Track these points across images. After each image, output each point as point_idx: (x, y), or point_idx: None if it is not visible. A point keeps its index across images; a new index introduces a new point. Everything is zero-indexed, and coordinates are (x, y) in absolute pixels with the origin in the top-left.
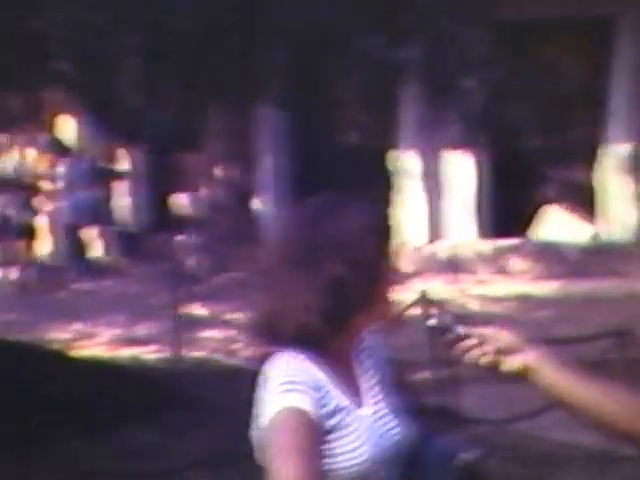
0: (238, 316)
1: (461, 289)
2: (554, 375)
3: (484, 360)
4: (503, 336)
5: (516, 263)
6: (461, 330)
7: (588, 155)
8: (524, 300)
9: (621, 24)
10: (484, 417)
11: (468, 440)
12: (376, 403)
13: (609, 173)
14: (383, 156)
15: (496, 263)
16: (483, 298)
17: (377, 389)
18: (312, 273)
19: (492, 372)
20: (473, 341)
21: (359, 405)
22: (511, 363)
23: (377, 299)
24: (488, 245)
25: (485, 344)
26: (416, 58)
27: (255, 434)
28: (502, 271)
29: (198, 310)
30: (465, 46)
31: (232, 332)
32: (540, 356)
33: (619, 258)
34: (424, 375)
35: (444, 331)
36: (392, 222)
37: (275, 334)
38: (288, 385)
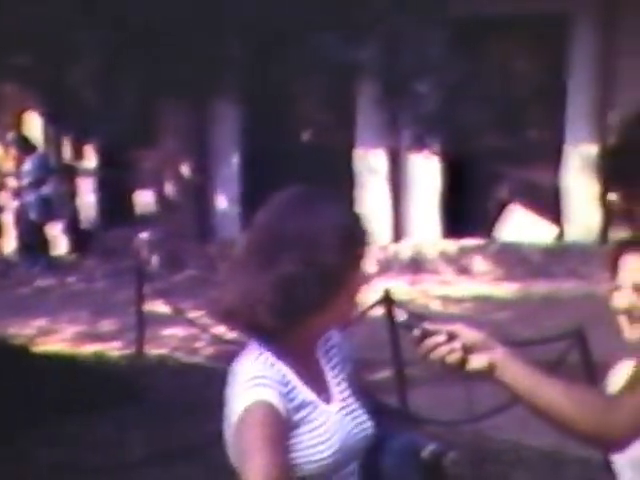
0: (200, 314)
1: (423, 289)
2: (519, 374)
3: (450, 357)
4: (469, 334)
5: (478, 263)
6: (429, 327)
7: (553, 156)
8: (484, 301)
9: (579, 21)
10: (435, 418)
11: (426, 436)
12: (344, 399)
13: (574, 174)
14: (346, 155)
15: (459, 263)
16: (444, 298)
17: (344, 385)
18: (268, 268)
19: (457, 370)
20: (440, 338)
21: (327, 400)
22: (477, 361)
23: (337, 301)
24: (451, 245)
25: (452, 341)
26: (373, 57)
27: (227, 431)
28: (464, 271)
29: (160, 307)
30: (420, 46)
31: (194, 330)
32: (505, 355)
33: (581, 259)
34: (385, 374)
35: (412, 328)
36: (365, 226)
37: (231, 323)
38: (255, 380)
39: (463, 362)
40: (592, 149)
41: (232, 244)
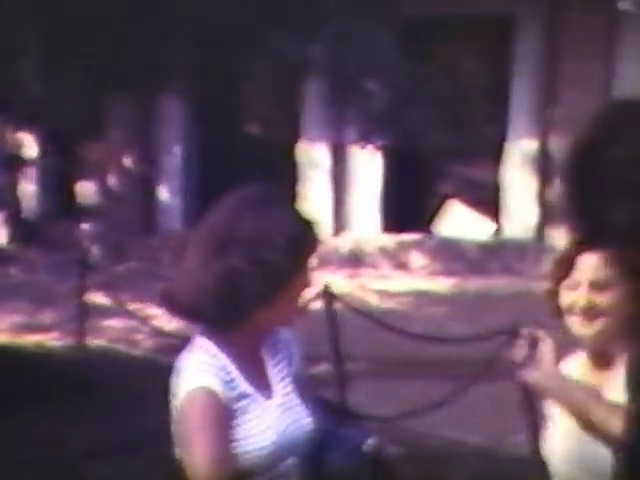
0: (141, 306)
1: (361, 283)
2: (560, 388)
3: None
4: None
5: (416, 258)
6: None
7: (492, 152)
8: (421, 295)
9: (524, 23)
10: (373, 413)
11: (367, 431)
12: (285, 395)
13: (512, 171)
14: (289, 149)
15: (397, 258)
16: (382, 293)
17: (288, 381)
18: (216, 261)
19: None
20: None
21: (267, 395)
22: (528, 375)
23: (280, 300)
24: (390, 240)
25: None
26: (321, 54)
27: (173, 418)
28: (402, 266)
29: (101, 299)
30: (369, 44)
31: (134, 322)
32: (551, 373)
33: (517, 256)
34: (322, 369)
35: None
36: (314, 232)
37: (178, 312)
38: (198, 367)
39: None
40: (532, 147)
41: (175, 236)
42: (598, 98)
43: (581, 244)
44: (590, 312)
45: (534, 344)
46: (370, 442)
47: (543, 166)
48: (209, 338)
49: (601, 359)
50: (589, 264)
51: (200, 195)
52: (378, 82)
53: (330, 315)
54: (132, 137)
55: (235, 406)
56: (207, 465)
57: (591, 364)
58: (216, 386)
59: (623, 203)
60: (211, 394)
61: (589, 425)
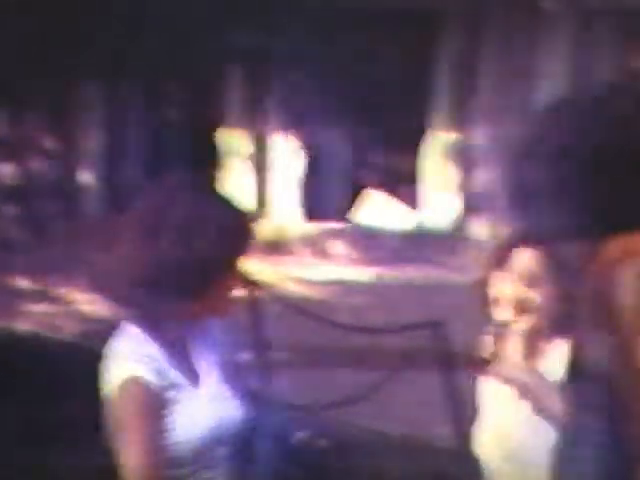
0: (64, 291)
1: (283, 271)
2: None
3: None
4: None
5: (337, 247)
6: None
7: (413, 143)
8: (342, 285)
9: (447, 13)
10: (296, 403)
11: (293, 423)
12: (215, 384)
13: (433, 160)
14: (209, 135)
15: (318, 246)
16: (303, 281)
17: (216, 371)
18: (147, 248)
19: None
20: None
21: (196, 384)
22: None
23: (212, 291)
24: (312, 228)
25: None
26: (243, 42)
27: (103, 407)
28: (323, 255)
29: (25, 283)
30: (290, 34)
31: (58, 307)
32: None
33: (437, 247)
34: (245, 357)
35: None
36: (248, 223)
37: (107, 295)
38: (129, 356)
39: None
40: (453, 136)
41: (97, 221)
42: (518, 92)
43: (516, 238)
44: (519, 306)
45: (500, 339)
46: (298, 435)
47: (463, 157)
48: (138, 325)
49: (528, 351)
50: (523, 259)
51: (122, 180)
52: (300, 70)
53: (252, 303)
54: (53, 120)
55: (166, 396)
56: (140, 467)
57: (519, 355)
58: (148, 376)
59: (562, 201)
60: (143, 384)
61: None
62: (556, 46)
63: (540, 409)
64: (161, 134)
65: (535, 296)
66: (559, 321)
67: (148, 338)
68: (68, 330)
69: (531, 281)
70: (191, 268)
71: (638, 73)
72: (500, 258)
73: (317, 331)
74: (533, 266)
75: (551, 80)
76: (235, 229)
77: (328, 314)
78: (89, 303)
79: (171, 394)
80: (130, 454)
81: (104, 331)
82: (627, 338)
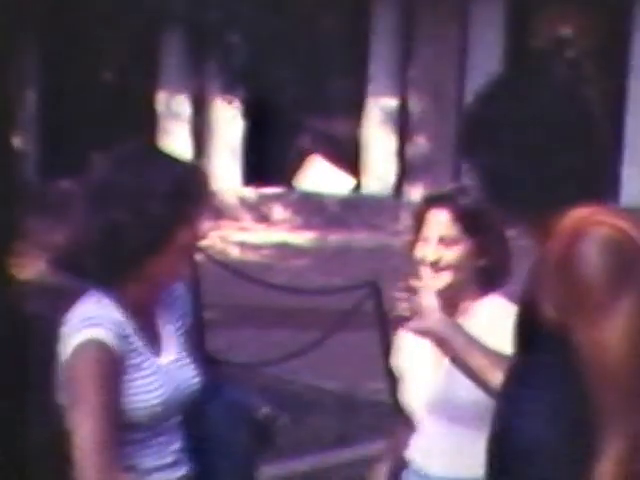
0: None
1: (223, 235)
2: (461, 339)
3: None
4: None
5: (278, 211)
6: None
7: (354, 108)
8: (282, 248)
9: None
10: (233, 360)
11: (254, 391)
12: (177, 352)
13: (372, 127)
14: (149, 98)
15: (258, 211)
16: (243, 245)
17: (180, 338)
18: (97, 216)
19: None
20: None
21: (158, 352)
22: (419, 324)
23: (165, 254)
24: (252, 193)
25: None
26: (179, 5)
27: (59, 372)
28: (264, 219)
29: None
30: None
31: None
32: (447, 321)
33: (375, 211)
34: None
35: None
36: (200, 183)
37: (63, 269)
38: (89, 320)
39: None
40: (392, 103)
41: (28, 187)
42: (453, 60)
43: (431, 200)
44: (437, 265)
45: (420, 297)
46: (262, 410)
47: (402, 123)
48: (103, 292)
49: (449, 310)
50: (438, 220)
51: (55, 145)
52: (238, 34)
53: (191, 266)
54: None
55: (126, 362)
56: (91, 431)
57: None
58: (108, 338)
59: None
60: (102, 346)
61: (471, 373)
62: (490, 15)
63: (457, 361)
64: (97, 99)
65: (450, 255)
66: (476, 279)
67: (113, 305)
68: None
69: (446, 241)
70: (142, 232)
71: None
72: (419, 220)
73: (257, 294)
74: (447, 227)
75: (485, 48)
76: (183, 188)
77: (268, 277)
78: (18, 266)
79: (132, 360)
80: (82, 418)
81: (33, 294)
82: (590, 308)
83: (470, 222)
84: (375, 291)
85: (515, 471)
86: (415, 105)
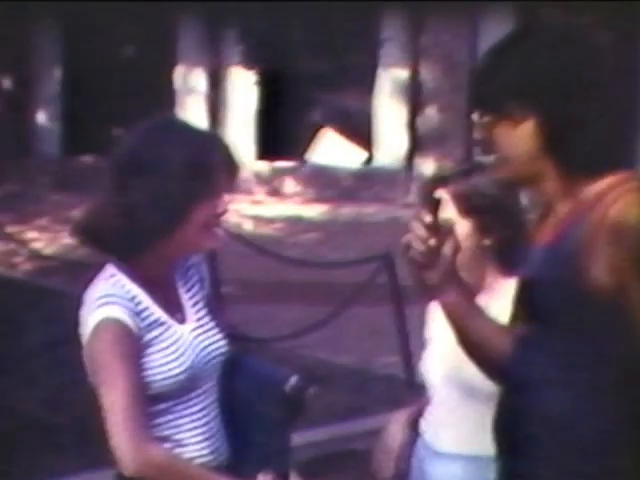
0: (19, 229)
1: (236, 209)
2: (465, 305)
3: (415, 256)
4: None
5: (290, 185)
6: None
7: (365, 80)
8: (295, 222)
9: None
10: (248, 335)
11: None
12: (199, 319)
13: (384, 99)
14: (166, 73)
15: (271, 184)
16: (256, 219)
17: (201, 306)
18: (117, 192)
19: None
20: (423, 232)
21: (181, 320)
22: (435, 275)
23: (184, 229)
24: (264, 166)
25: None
26: None
27: (84, 349)
28: (276, 193)
29: None
30: None
31: (12, 245)
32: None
33: (387, 184)
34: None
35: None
36: (221, 157)
37: (85, 243)
38: (105, 299)
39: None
40: (403, 74)
41: (52, 161)
42: (465, 29)
43: (434, 181)
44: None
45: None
46: (291, 382)
47: (413, 95)
48: (119, 267)
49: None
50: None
51: (77, 120)
52: (254, 6)
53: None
54: (7, 58)
55: (147, 336)
56: (120, 407)
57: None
58: (124, 316)
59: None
60: (119, 325)
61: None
62: None
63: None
64: (117, 74)
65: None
66: (493, 258)
67: (129, 279)
68: (22, 268)
69: (448, 222)
70: (159, 210)
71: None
72: (423, 198)
73: (270, 267)
74: (448, 206)
75: (498, 17)
76: (201, 163)
77: (281, 251)
78: (42, 241)
79: (154, 333)
80: (110, 395)
81: (58, 268)
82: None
83: (466, 203)
84: (388, 264)
85: (538, 442)
86: (427, 76)
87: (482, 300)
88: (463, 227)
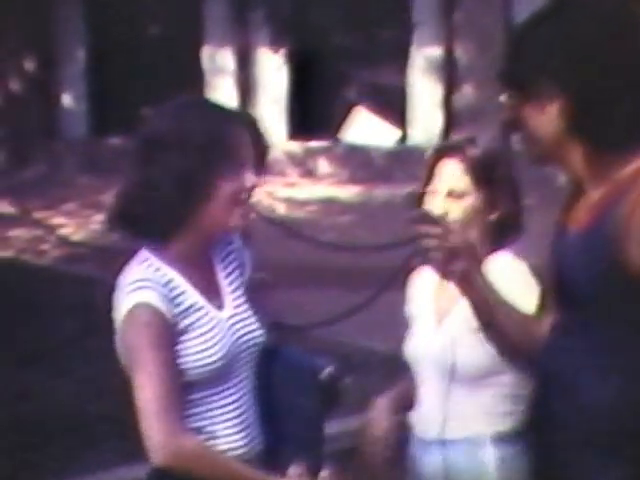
0: (46, 214)
1: (269, 191)
2: (487, 291)
3: (436, 253)
4: (461, 238)
5: (323, 166)
6: (430, 212)
7: (398, 57)
8: (329, 203)
9: None
10: (284, 322)
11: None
12: (237, 305)
13: (418, 76)
14: (194, 53)
15: (304, 165)
16: (290, 201)
17: (240, 292)
18: (141, 172)
19: (436, 267)
20: (438, 229)
21: (219, 306)
22: (459, 267)
23: (211, 207)
24: (297, 147)
25: (446, 238)
26: None
27: (116, 336)
28: (309, 174)
29: (6, 208)
30: None
31: (40, 231)
32: (480, 269)
33: (422, 163)
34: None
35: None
36: (246, 131)
37: (125, 222)
38: (138, 283)
39: (445, 262)
40: (437, 51)
41: (79, 142)
42: (500, 5)
43: (441, 151)
44: (446, 220)
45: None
46: (327, 371)
47: (448, 72)
48: (153, 251)
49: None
50: (447, 172)
51: (104, 100)
52: None
53: (244, 219)
54: (32, 39)
55: (183, 322)
56: (155, 396)
57: None
58: (157, 301)
59: None
60: (152, 310)
61: (492, 324)
62: None
63: (480, 309)
64: (145, 54)
65: (459, 209)
66: (488, 234)
67: (164, 264)
68: (50, 255)
69: (455, 194)
70: (182, 186)
71: None
72: (429, 171)
73: (303, 251)
74: (457, 179)
75: None
76: (224, 139)
77: (314, 233)
78: (71, 226)
79: (190, 319)
80: (143, 383)
81: (86, 255)
82: None
83: (481, 173)
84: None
85: (575, 430)
86: (461, 53)
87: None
88: (473, 200)
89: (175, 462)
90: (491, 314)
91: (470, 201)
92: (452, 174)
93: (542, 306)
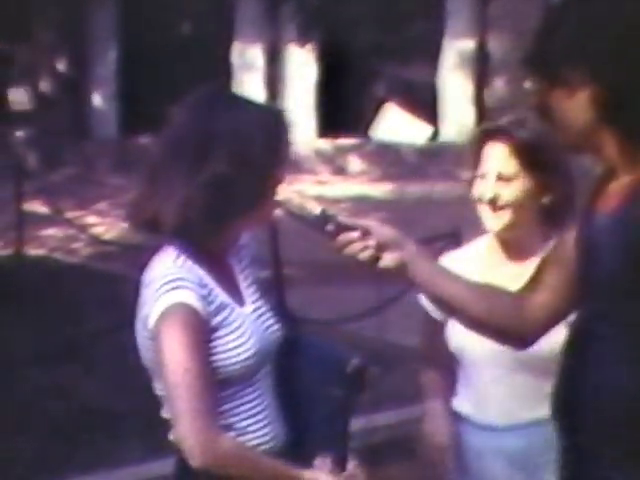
0: (78, 214)
1: (299, 189)
2: (430, 272)
3: (364, 254)
4: (383, 231)
5: (354, 163)
6: (343, 221)
7: (429, 52)
8: (360, 201)
9: None
10: (312, 318)
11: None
12: (255, 301)
13: (450, 72)
14: (224, 49)
15: (335, 163)
16: (320, 199)
17: (254, 287)
18: (198, 170)
19: (370, 267)
20: (354, 234)
21: (241, 303)
22: (389, 259)
23: (265, 200)
24: (327, 144)
25: (367, 238)
26: None
27: (142, 335)
28: (340, 171)
29: (39, 207)
30: None
31: (72, 231)
32: (416, 253)
33: (455, 160)
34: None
35: (327, 221)
36: (286, 122)
37: (156, 225)
38: (174, 283)
39: (376, 259)
40: (470, 44)
41: (110, 143)
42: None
43: (487, 133)
44: (495, 204)
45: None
46: (353, 363)
47: (480, 67)
48: (180, 249)
49: (512, 251)
50: (495, 155)
51: (135, 100)
52: None
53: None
54: (63, 40)
55: (215, 320)
56: (188, 396)
57: (503, 256)
58: (194, 301)
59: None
60: (190, 310)
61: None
62: None
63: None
64: (175, 50)
65: (509, 192)
66: (541, 219)
67: (192, 262)
68: (81, 253)
69: (505, 178)
70: (248, 181)
71: None
72: (475, 155)
73: (331, 248)
74: (506, 162)
75: None
76: (278, 130)
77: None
78: (102, 226)
79: (220, 317)
80: (178, 383)
81: (118, 253)
82: None
83: (530, 157)
84: (456, 242)
85: (604, 418)
86: (494, 47)
87: (532, 263)
88: (524, 183)
89: (214, 464)
90: (442, 293)
91: (520, 185)
92: (499, 157)
93: (534, 282)
